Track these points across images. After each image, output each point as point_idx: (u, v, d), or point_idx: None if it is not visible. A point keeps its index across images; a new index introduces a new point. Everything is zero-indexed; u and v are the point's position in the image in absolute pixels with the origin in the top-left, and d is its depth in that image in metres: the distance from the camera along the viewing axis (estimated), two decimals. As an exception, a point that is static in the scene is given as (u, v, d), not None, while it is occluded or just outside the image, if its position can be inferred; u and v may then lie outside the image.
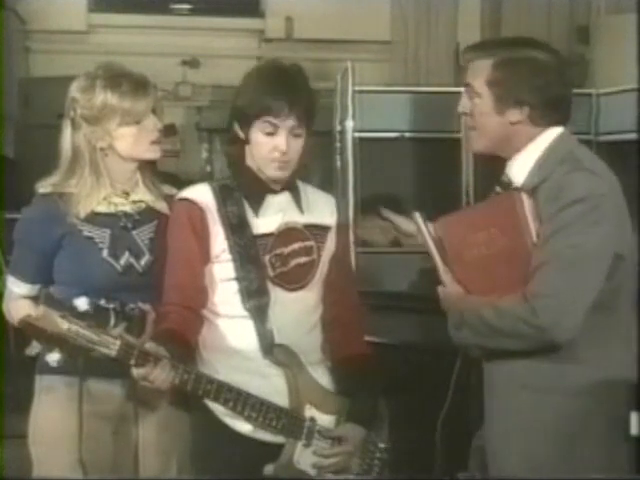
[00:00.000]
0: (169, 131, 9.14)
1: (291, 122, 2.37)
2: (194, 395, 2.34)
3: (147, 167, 2.60)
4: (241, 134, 2.42)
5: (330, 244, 2.52)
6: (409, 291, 6.51)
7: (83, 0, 9.06)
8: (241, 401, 2.31)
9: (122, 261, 2.51)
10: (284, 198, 2.46)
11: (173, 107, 9.10)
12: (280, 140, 2.35)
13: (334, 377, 2.50)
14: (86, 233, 2.51)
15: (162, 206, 2.59)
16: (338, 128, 7.69)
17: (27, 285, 2.57)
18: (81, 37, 8.96)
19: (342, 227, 2.57)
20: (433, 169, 7.60)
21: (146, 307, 2.50)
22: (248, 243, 2.39)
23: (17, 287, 2.58)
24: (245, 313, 2.39)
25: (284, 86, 2.38)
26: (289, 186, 2.47)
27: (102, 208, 2.53)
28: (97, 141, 2.51)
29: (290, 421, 2.37)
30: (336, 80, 7.84)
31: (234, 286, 2.40)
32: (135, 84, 2.51)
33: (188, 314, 2.39)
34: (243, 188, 2.43)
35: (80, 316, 2.24)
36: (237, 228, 2.40)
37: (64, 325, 2.14)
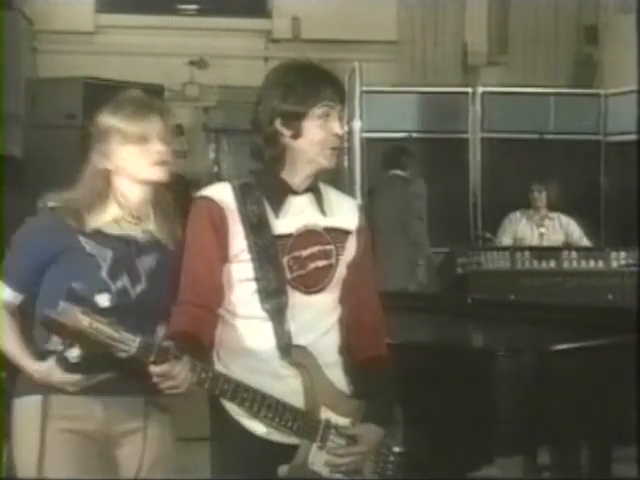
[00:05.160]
0: (176, 131, 9.16)
1: (339, 106, 2.40)
2: (211, 394, 2.33)
3: (162, 199, 2.59)
4: (285, 131, 2.39)
5: (350, 248, 2.49)
6: (417, 291, 6.52)
7: (90, 1, 9.08)
8: (257, 401, 2.30)
9: (119, 284, 2.51)
10: (306, 199, 2.44)
11: (180, 107, 9.10)
12: (335, 124, 2.38)
13: (352, 378, 2.49)
14: (89, 250, 2.49)
15: (169, 242, 2.57)
16: (346, 128, 7.68)
17: (13, 292, 2.55)
18: (88, 37, 8.98)
19: (363, 231, 2.55)
20: (440, 169, 7.59)
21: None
22: (267, 243, 2.37)
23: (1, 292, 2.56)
24: (263, 314, 2.38)
25: (327, 74, 2.44)
26: (312, 187, 2.46)
27: (110, 229, 2.52)
28: (105, 161, 2.52)
29: (306, 423, 2.35)
30: (343, 80, 7.83)
31: (252, 286, 2.38)
32: (137, 106, 2.54)
33: (202, 313, 2.37)
34: (264, 188, 2.42)
35: (100, 312, 2.22)
36: (257, 228, 2.38)
37: (85, 321, 2.11)
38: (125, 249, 2.51)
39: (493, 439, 2.95)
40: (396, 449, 2.47)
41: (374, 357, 2.49)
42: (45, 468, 2.42)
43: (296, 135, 2.38)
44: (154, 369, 2.18)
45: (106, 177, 2.53)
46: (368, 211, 6.85)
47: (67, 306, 2.13)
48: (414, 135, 7.81)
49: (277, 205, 2.40)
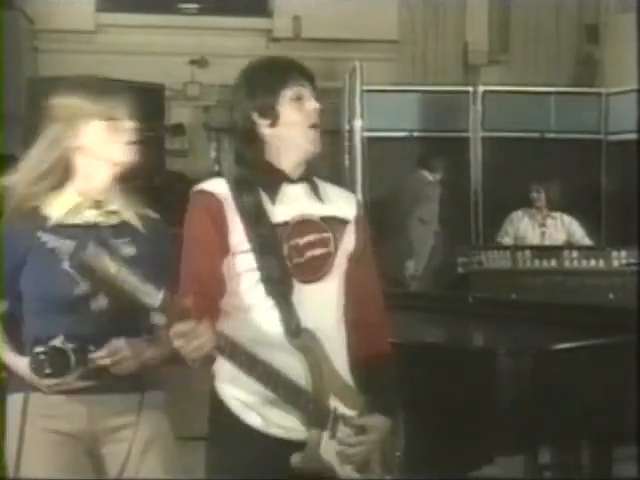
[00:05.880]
0: (178, 131, 9.16)
1: (310, 86, 2.43)
2: (229, 363, 2.29)
3: (126, 181, 2.54)
4: (263, 122, 2.41)
5: (348, 239, 2.50)
6: (418, 290, 6.52)
7: (91, 0, 9.07)
8: (273, 377, 2.30)
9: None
10: (301, 188, 2.46)
11: (181, 107, 9.11)
12: (310, 102, 2.42)
13: (356, 374, 2.49)
14: (50, 244, 2.44)
15: (138, 224, 2.54)
16: (347, 127, 7.69)
17: None
18: (89, 37, 8.98)
19: (362, 222, 2.56)
20: (441, 168, 7.59)
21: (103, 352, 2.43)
22: (266, 232, 2.39)
23: None
24: (269, 302, 2.39)
25: (291, 60, 2.49)
26: (306, 177, 2.48)
27: (70, 219, 2.46)
28: (69, 139, 2.44)
29: (317, 408, 2.37)
30: (344, 80, 7.83)
31: (255, 276, 2.39)
32: (102, 85, 2.50)
33: (206, 304, 2.36)
34: (259, 178, 2.43)
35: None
36: (254, 217, 2.39)
37: (113, 268, 2.09)
38: (90, 238, 2.40)
39: (494, 439, 2.95)
40: (398, 453, 2.48)
41: (377, 354, 2.50)
42: (23, 468, 2.39)
43: (274, 122, 2.40)
44: (180, 327, 2.11)
45: (68, 156, 2.47)
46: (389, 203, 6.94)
47: (96, 250, 2.11)
48: (415, 134, 7.81)
49: (273, 193, 2.42)
